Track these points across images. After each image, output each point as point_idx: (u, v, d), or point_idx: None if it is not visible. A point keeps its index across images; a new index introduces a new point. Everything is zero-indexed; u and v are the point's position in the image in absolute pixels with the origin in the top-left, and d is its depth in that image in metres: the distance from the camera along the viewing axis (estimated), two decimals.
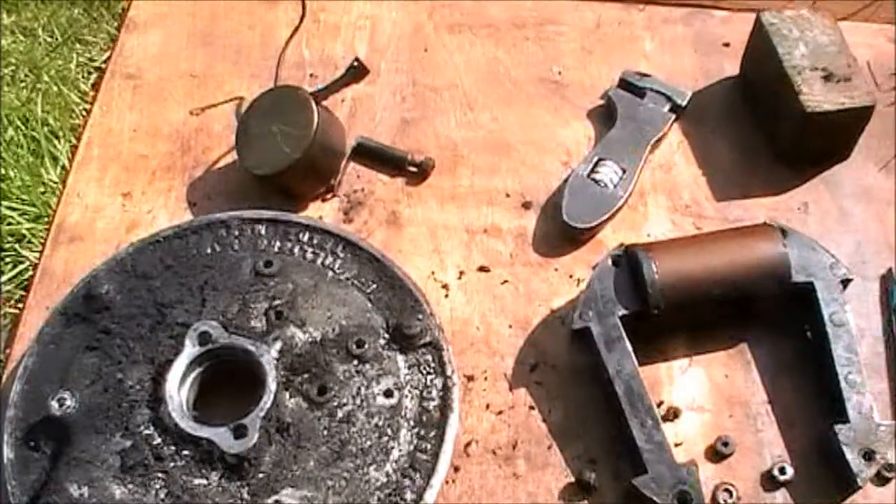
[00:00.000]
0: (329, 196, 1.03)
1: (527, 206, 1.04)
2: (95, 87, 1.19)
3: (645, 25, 1.21)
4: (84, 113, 1.21)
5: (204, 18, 1.21)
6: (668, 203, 1.05)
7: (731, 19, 1.21)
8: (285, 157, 0.96)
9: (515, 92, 1.13)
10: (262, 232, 0.97)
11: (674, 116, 1.10)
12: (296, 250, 0.96)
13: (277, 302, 0.89)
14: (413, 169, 1.05)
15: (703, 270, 0.91)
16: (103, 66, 1.22)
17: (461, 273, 0.99)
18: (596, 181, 1.03)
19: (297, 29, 1.15)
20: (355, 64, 1.06)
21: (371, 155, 1.06)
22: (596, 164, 1.05)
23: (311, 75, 1.15)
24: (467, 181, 1.06)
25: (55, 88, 1.33)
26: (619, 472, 0.86)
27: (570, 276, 0.99)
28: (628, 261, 0.92)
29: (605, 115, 1.11)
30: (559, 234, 1.01)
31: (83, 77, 1.33)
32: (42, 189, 1.22)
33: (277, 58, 1.13)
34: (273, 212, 0.98)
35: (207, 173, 1.06)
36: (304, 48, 1.18)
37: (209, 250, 0.95)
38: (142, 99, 1.13)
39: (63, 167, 1.22)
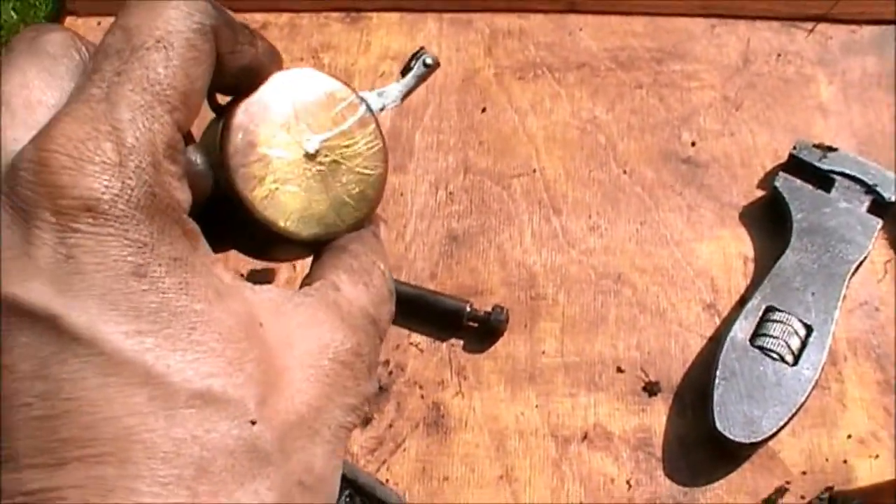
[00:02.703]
0: None
1: (652, 389, 0.64)
2: None
3: (817, 58, 0.78)
4: None
5: None
6: (877, 375, 0.65)
7: None
8: (345, 212, 0.41)
9: (625, 179, 0.73)
10: None
11: (881, 222, 0.69)
12: None
13: None
14: (473, 324, 0.66)
15: None
16: None
17: None
18: (765, 350, 0.63)
19: None
20: (428, 61, 0.53)
21: (407, 307, 0.66)
22: (763, 318, 0.64)
23: None
24: (553, 345, 0.66)
25: None
26: None
27: None
28: None
29: (770, 219, 0.71)
30: (708, 443, 0.62)
31: None
32: None
33: None
34: None
35: None
36: None
37: None
38: None
39: None
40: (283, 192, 0.39)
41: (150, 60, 0.27)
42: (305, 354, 0.30)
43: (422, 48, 0.53)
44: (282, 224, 0.39)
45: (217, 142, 0.36)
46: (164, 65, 0.27)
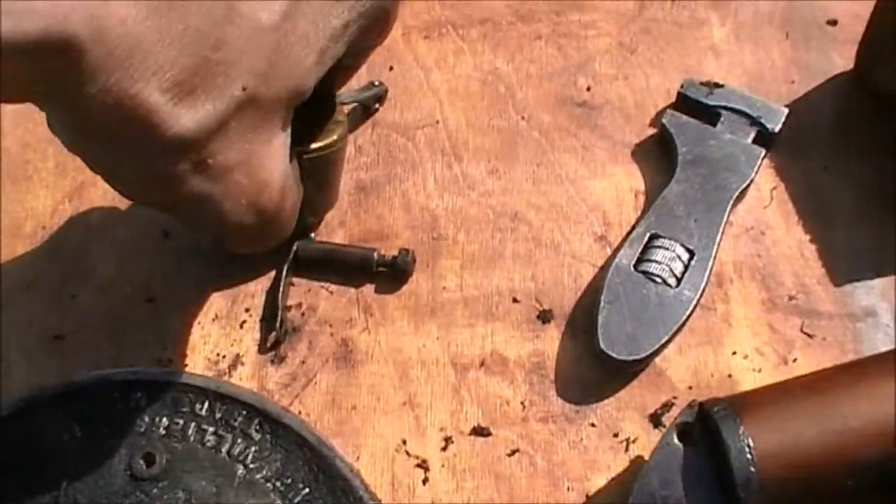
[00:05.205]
0: (273, 343, 0.68)
1: (545, 317, 0.68)
2: None
3: (710, 3, 0.82)
4: None
5: None
6: (762, 294, 0.69)
7: None
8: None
9: (523, 125, 0.77)
10: (143, 402, 0.63)
11: (763, 151, 0.73)
12: (190, 431, 0.62)
13: None
14: (383, 269, 0.70)
15: (830, 444, 0.56)
16: None
17: (447, 440, 0.64)
18: (649, 275, 0.67)
19: None
20: (377, 84, 0.79)
21: (320, 264, 0.71)
22: (648, 245, 0.69)
23: None
24: (454, 280, 0.70)
25: None
26: None
27: (615, 436, 0.64)
28: (704, 431, 0.57)
29: (659, 154, 0.75)
30: (596, 364, 0.66)
31: None
32: None
33: None
34: (155, 369, 0.65)
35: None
36: None
37: (66, 436, 0.63)
38: None
39: None
40: None
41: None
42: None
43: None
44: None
45: None
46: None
